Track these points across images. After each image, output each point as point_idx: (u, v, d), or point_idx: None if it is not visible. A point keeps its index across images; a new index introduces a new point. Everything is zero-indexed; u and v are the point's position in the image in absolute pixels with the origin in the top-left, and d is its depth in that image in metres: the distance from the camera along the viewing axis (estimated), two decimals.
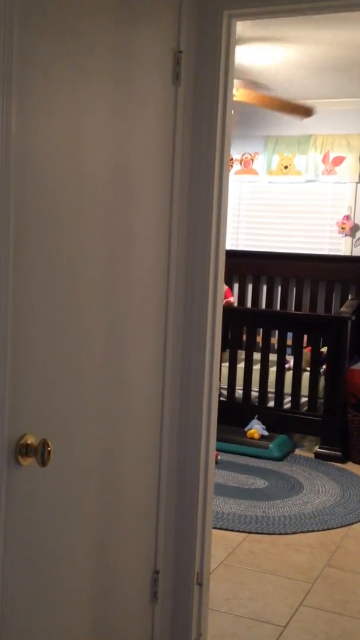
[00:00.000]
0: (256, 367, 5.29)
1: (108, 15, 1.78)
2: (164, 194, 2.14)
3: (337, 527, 3.84)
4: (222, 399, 5.28)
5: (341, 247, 6.13)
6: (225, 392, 5.33)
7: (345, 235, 6.08)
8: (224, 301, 4.77)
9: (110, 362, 1.92)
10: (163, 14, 2.06)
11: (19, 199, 1.47)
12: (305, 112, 4.79)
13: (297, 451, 5.12)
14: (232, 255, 5.99)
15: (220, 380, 2.50)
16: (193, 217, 2.22)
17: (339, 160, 6.00)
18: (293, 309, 6.24)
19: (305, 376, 5.17)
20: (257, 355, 5.34)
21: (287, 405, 5.20)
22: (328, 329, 5.03)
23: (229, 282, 6.00)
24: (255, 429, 5.03)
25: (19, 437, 1.52)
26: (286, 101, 4.72)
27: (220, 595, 3.06)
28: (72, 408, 1.75)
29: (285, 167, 6.21)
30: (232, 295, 6.21)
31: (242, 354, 5.44)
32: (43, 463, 1.52)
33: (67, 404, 1.73)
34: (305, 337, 5.30)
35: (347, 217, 6.05)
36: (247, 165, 6.37)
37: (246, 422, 5.12)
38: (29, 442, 1.52)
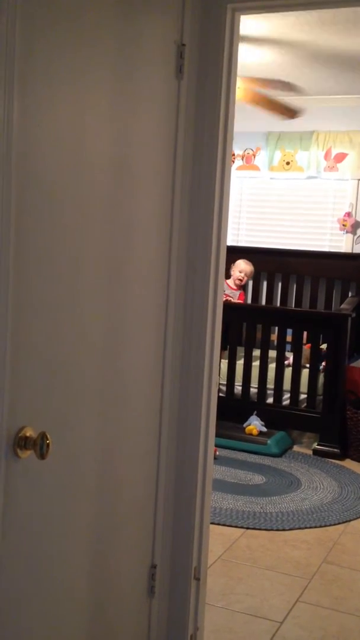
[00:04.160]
0: (255, 364, 5.29)
1: (111, 7, 1.77)
2: (166, 187, 2.13)
3: (335, 524, 3.84)
4: (221, 394, 5.28)
5: (342, 244, 6.12)
6: (224, 388, 5.33)
7: (346, 232, 6.08)
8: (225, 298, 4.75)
9: (110, 356, 1.92)
10: (166, 6, 2.05)
11: (20, 191, 1.46)
12: (290, 113, 4.78)
13: (296, 448, 5.12)
14: (232, 251, 5.99)
15: (219, 376, 2.50)
16: (194, 211, 2.22)
17: (341, 157, 5.99)
18: (293, 305, 6.23)
19: (305, 373, 5.16)
20: (256, 352, 5.34)
21: (286, 402, 5.20)
22: (328, 326, 5.03)
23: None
24: (254, 425, 5.03)
25: (18, 430, 1.52)
26: (273, 100, 4.71)
27: (217, 590, 3.06)
28: (71, 401, 1.75)
29: (287, 163, 6.20)
30: (244, 300, 6.15)
31: (241, 350, 5.43)
32: (42, 456, 1.52)
33: (66, 397, 1.73)
34: (305, 334, 5.30)
35: (349, 214, 6.04)
36: (249, 160, 6.36)
37: (245, 418, 5.13)
38: (27, 434, 1.52)
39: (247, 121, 5.20)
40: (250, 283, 6.41)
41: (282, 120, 5.06)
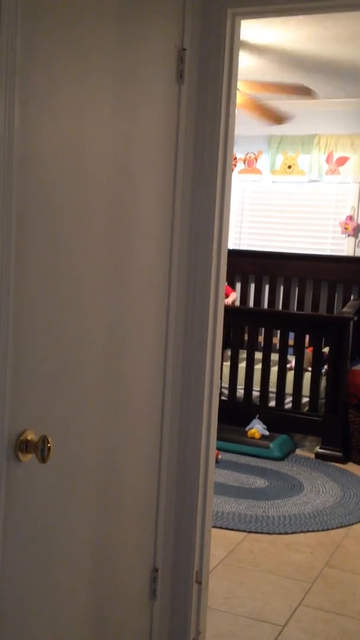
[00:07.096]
0: (258, 367, 5.29)
1: (112, 12, 1.77)
2: (167, 192, 2.13)
3: (337, 528, 3.84)
4: (223, 398, 5.28)
5: (344, 247, 6.13)
6: (226, 392, 5.33)
7: (348, 235, 6.08)
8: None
9: (111, 359, 1.92)
10: (167, 11, 2.05)
11: (21, 195, 1.47)
12: (279, 119, 4.81)
13: (298, 451, 5.12)
14: (234, 254, 6.00)
15: (221, 379, 2.51)
16: (195, 215, 2.22)
17: (342, 161, 6.00)
18: (295, 309, 6.24)
19: (307, 376, 5.16)
20: (258, 355, 5.34)
21: (288, 405, 5.19)
22: (330, 329, 5.03)
23: (231, 281, 5.99)
24: (256, 428, 5.03)
25: (19, 433, 1.52)
26: (263, 105, 4.74)
27: (220, 594, 3.06)
28: (72, 404, 1.75)
29: (289, 167, 6.20)
30: (234, 291, 6.13)
31: (243, 354, 5.43)
32: (43, 459, 1.52)
33: (67, 401, 1.73)
34: (307, 337, 5.30)
35: (350, 218, 6.05)
36: (250, 164, 6.37)
37: (247, 421, 5.13)
38: (29, 438, 1.53)
39: (248, 125, 5.20)
40: (252, 286, 6.41)
41: (268, 125, 5.12)
